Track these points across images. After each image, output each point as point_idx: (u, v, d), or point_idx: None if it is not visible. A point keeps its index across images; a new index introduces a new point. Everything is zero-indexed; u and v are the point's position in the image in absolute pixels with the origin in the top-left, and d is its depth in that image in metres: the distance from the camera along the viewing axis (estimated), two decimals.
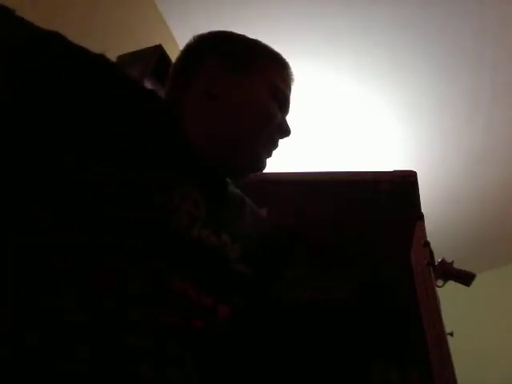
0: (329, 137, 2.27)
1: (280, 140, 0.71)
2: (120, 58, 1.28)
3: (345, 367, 0.85)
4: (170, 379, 0.48)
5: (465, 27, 1.76)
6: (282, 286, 0.79)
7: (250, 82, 0.67)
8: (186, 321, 0.51)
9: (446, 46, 1.84)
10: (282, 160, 2.35)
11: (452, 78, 1.97)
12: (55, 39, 0.52)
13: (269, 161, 0.71)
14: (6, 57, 0.48)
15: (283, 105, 0.70)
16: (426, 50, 1.86)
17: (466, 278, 0.89)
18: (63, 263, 0.45)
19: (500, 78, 1.95)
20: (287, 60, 0.77)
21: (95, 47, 0.55)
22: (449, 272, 0.87)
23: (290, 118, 0.75)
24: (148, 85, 1.18)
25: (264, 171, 0.71)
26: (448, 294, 1.14)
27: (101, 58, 0.57)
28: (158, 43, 1.31)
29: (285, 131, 0.71)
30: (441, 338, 0.67)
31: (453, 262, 0.89)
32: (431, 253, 0.83)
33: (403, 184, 0.94)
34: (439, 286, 0.85)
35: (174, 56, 0.80)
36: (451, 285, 0.91)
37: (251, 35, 0.77)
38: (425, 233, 0.88)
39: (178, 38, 1.80)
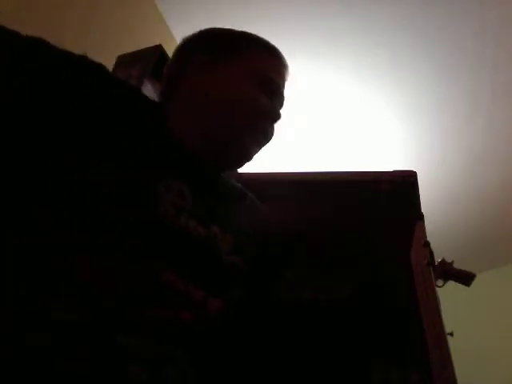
0: (329, 137, 2.27)
1: (273, 130, 0.71)
2: (120, 57, 1.28)
3: (345, 367, 0.85)
4: (165, 378, 0.48)
5: (465, 27, 1.76)
6: (282, 285, 0.79)
7: (232, 72, 0.66)
8: (174, 314, 0.51)
9: (446, 45, 1.83)
10: (283, 160, 2.35)
11: (452, 78, 1.97)
12: (39, 44, 0.53)
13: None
14: (6, 60, 0.49)
15: (273, 92, 0.68)
16: (426, 49, 1.85)
17: (465, 278, 0.88)
18: (63, 263, 0.45)
19: (500, 78, 1.95)
20: (287, 58, 0.76)
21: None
22: (449, 272, 0.87)
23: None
24: (148, 85, 1.18)
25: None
26: (448, 294, 1.14)
27: (84, 59, 0.57)
28: (158, 43, 1.31)
29: (272, 117, 0.68)
30: (441, 337, 0.67)
31: (453, 261, 0.89)
32: (431, 253, 0.83)
33: (403, 184, 0.94)
34: (439, 286, 0.85)
35: None
36: (451, 285, 0.91)
37: None
38: (425, 233, 0.88)
39: (178, 38, 1.80)
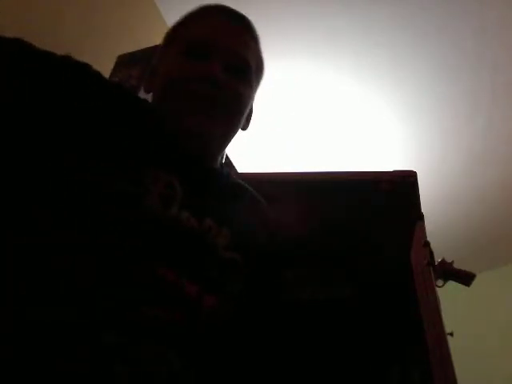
0: (329, 137, 2.27)
1: (221, 91, 0.62)
2: (120, 57, 1.28)
3: (344, 367, 0.85)
4: (154, 378, 0.47)
5: (465, 27, 1.76)
6: (282, 285, 0.79)
7: (170, 52, 0.67)
8: (167, 312, 0.49)
9: (446, 45, 1.83)
10: (282, 160, 2.35)
11: (452, 78, 1.97)
12: (20, 44, 0.53)
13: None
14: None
15: (202, 53, 0.63)
16: (426, 49, 1.85)
17: (466, 278, 0.88)
18: (63, 263, 0.45)
19: (500, 78, 1.95)
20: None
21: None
22: (449, 272, 0.87)
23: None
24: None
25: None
26: (448, 294, 1.14)
27: (68, 59, 0.57)
28: (158, 43, 1.31)
29: (204, 77, 0.61)
30: (441, 338, 0.67)
31: (453, 261, 0.89)
32: (431, 253, 0.83)
33: (403, 184, 0.94)
34: (439, 286, 0.85)
35: None
36: (451, 285, 0.91)
37: None
38: (425, 233, 0.88)
39: None
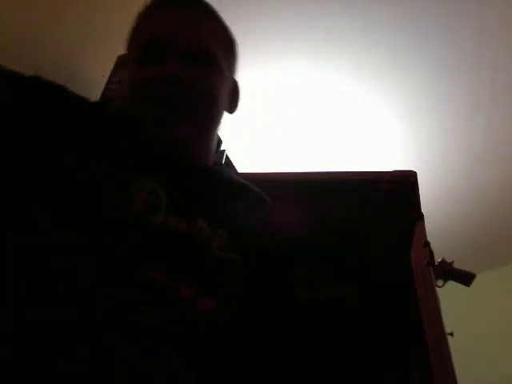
0: (329, 137, 2.27)
1: (179, 87, 0.59)
2: (120, 57, 1.28)
3: (345, 367, 0.85)
4: (154, 379, 0.47)
5: (465, 27, 1.76)
6: (283, 286, 0.79)
7: (130, 60, 0.65)
8: (164, 314, 0.49)
9: (446, 45, 1.83)
10: (282, 160, 2.35)
11: (452, 78, 1.96)
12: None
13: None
14: None
15: (151, 54, 0.60)
16: (426, 49, 1.85)
17: (466, 278, 0.89)
18: (63, 263, 0.45)
19: (500, 78, 1.95)
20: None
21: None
22: (449, 272, 0.87)
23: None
24: None
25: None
26: (448, 294, 1.14)
27: (39, 79, 0.56)
28: None
29: (158, 78, 0.58)
30: (441, 337, 0.67)
31: (453, 261, 0.89)
32: (431, 253, 0.83)
33: (403, 184, 0.95)
34: (439, 286, 0.85)
35: None
36: (451, 285, 0.91)
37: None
38: (425, 233, 0.88)
39: None
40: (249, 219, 0.68)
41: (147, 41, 0.61)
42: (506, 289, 3.01)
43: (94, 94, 1.12)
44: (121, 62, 1.28)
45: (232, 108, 0.74)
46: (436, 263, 0.86)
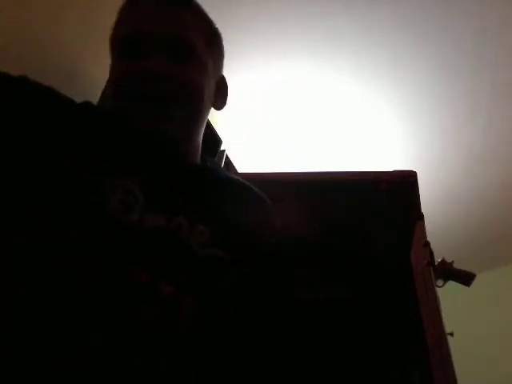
0: (329, 137, 2.27)
1: (156, 84, 0.58)
2: None
3: (345, 367, 0.85)
4: (140, 379, 0.46)
5: (465, 27, 1.76)
6: (282, 285, 0.79)
7: (112, 57, 0.64)
8: (148, 313, 0.48)
9: (446, 46, 1.83)
10: (282, 160, 2.35)
11: (452, 78, 1.96)
12: None
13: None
14: None
15: (130, 50, 0.60)
16: (426, 49, 1.85)
17: (466, 278, 0.89)
18: (63, 263, 0.45)
19: (500, 78, 1.95)
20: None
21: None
22: (449, 272, 0.87)
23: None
24: None
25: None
26: (448, 294, 1.14)
27: (25, 79, 0.56)
28: None
29: (134, 74, 0.58)
30: (441, 337, 0.67)
31: (453, 261, 0.89)
32: (431, 253, 0.83)
33: (403, 184, 0.95)
34: (439, 286, 0.85)
35: None
36: (451, 285, 0.91)
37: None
38: (425, 233, 0.88)
39: None
40: (241, 217, 0.67)
41: (126, 36, 0.61)
42: (506, 289, 3.01)
43: (94, 94, 1.12)
44: None
45: (219, 104, 0.73)
46: (436, 263, 0.86)
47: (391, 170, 0.98)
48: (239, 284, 0.62)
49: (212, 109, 0.73)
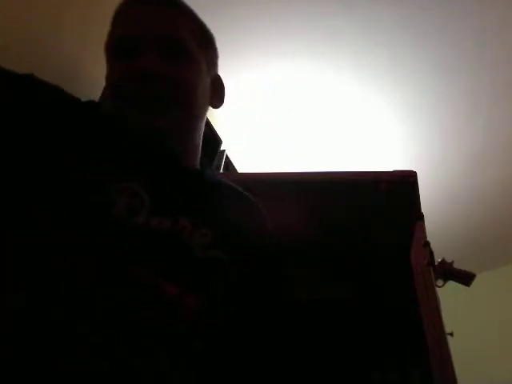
0: (329, 137, 2.27)
1: (155, 84, 0.59)
2: None
3: (345, 367, 0.85)
4: (140, 378, 0.47)
5: (465, 27, 1.76)
6: (282, 285, 0.79)
7: (108, 59, 0.64)
8: (150, 312, 0.49)
9: (446, 46, 1.83)
10: (282, 160, 2.35)
11: (452, 78, 1.97)
12: None
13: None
14: None
15: (126, 51, 0.61)
16: (426, 49, 1.85)
17: (466, 278, 0.89)
18: (63, 263, 0.45)
19: (500, 78, 1.95)
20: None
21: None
22: (449, 272, 0.87)
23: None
24: None
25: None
26: (448, 294, 1.14)
27: (34, 78, 0.56)
28: None
29: (132, 75, 0.59)
30: (441, 337, 0.67)
31: (453, 261, 0.89)
32: (431, 253, 0.83)
33: (403, 184, 0.95)
34: (439, 286, 0.85)
35: None
36: (451, 285, 0.91)
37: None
38: (425, 233, 0.88)
39: None
40: (238, 218, 0.68)
41: (121, 38, 0.62)
42: (506, 289, 3.01)
43: (94, 94, 1.12)
44: None
45: (216, 103, 0.74)
46: (436, 263, 0.86)
47: (391, 169, 0.98)
48: (239, 284, 0.62)
49: (212, 109, 0.74)
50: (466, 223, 2.81)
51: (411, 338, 0.80)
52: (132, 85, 0.59)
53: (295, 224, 0.91)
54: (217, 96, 0.74)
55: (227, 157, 1.71)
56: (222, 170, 1.59)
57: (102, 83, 1.13)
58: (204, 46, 0.68)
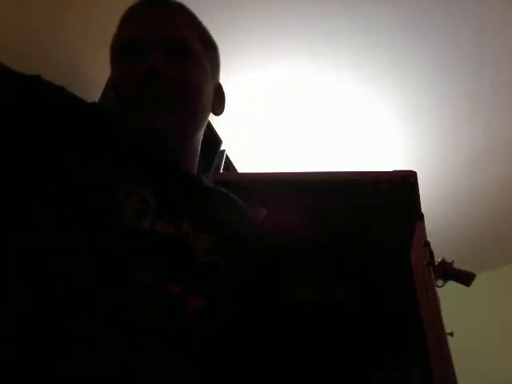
0: (329, 137, 2.27)
1: (159, 85, 0.59)
2: None
3: (345, 367, 0.85)
4: (141, 377, 0.46)
5: (465, 27, 1.76)
6: (282, 286, 0.79)
7: (113, 62, 0.65)
8: (153, 313, 0.49)
9: (446, 46, 1.83)
10: (282, 160, 2.35)
11: (452, 78, 1.97)
12: None
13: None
14: None
15: (132, 54, 0.61)
16: (426, 49, 1.85)
17: (466, 278, 0.89)
18: (63, 263, 0.45)
19: (500, 78, 1.95)
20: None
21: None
22: (449, 272, 0.87)
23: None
24: None
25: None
26: (448, 294, 1.14)
27: (39, 79, 0.56)
28: None
29: (137, 77, 0.59)
30: (441, 337, 0.67)
31: (453, 261, 0.89)
32: (431, 253, 0.83)
33: (403, 184, 0.95)
34: (439, 286, 0.85)
35: None
36: (451, 285, 0.91)
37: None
38: (425, 233, 0.88)
39: None
40: (235, 223, 0.68)
41: (127, 40, 0.62)
42: (506, 289, 3.01)
43: (94, 94, 1.12)
44: None
45: (218, 110, 0.75)
46: (436, 263, 0.86)
47: (391, 170, 0.98)
48: (239, 285, 0.63)
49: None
50: (466, 223, 2.81)
51: (411, 337, 0.81)
52: (134, 86, 0.59)
53: (295, 224, 0.91)
54: (218, 103, 0.75)
55: (227, 157, 1.71)
56: (222, 170, 1.59)
57: (102, 83, 1.13)
58: (207, 48, 0.69)
